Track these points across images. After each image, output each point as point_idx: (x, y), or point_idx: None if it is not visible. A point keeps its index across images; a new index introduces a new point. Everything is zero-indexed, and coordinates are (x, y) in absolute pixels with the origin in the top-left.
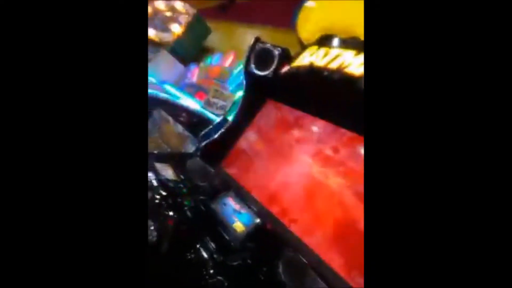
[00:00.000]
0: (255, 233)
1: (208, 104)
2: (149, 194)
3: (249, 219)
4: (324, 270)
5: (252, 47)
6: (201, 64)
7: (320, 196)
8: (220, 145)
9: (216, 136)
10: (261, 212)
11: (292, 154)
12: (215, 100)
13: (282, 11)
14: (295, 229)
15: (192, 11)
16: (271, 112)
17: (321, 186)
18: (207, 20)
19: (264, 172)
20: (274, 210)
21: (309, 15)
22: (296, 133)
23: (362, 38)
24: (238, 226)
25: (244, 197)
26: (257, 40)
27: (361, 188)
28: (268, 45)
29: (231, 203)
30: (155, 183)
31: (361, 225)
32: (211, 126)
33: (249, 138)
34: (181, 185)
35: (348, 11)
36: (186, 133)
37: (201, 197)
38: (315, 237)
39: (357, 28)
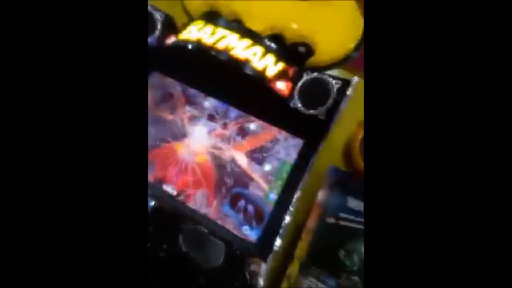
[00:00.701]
0: (151, 216)
1: None
2: None
3: None
4: (222, 232)
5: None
6: None
7: (213, 169)
8: None
9: None
10: (156, 193)
11: (185, 132)
12: None
13: None
14: (192, 204)
15: None
16: (159, 86)
17: (214, 160)
18: None
19: (157, 151)
20: (169, 189)
21: None
22: (187, 109)
23: (243, 20)
24: None
25: None
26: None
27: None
28: (150, 8)
29: None
30: None
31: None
32: None
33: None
34: None
35: None
36: None
37: None
38: (211, 207)
39: (240, 10)
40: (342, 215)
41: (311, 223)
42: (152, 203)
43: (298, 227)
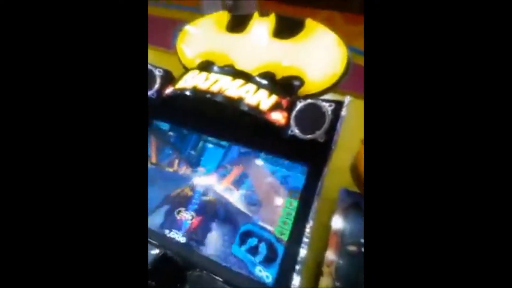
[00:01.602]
0: (156, 265)
1: None
2: None
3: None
4: (233, 277)
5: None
6: None
7: (219, 209)
8: None
9: None
10: (160, 240)
11: (189, 176)
12: None
13: (162, 30)
14: (200, 248)
15: None
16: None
17: (220, 200)
18: None
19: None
20: (176, 235)
21: (189, 39)
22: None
23: (236, 66)
24: None
25: None
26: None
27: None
28: (149, 66)
29: None
30: None
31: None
32: None
33: None
34: None
35: (226, 41)
36: None
37: None
38: (219, 250)
39: (232, 57)
40: (362, 240)
41: (331, 254)
42: (157, 251)
43: (317, 261)
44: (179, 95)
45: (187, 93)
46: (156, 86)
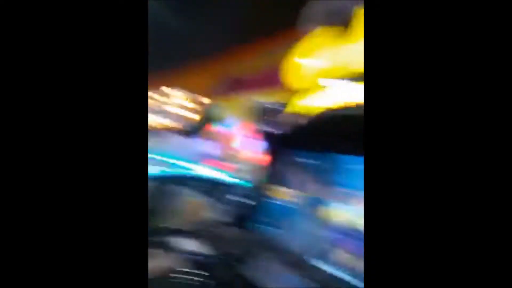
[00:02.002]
0: None
1: (236, 171)
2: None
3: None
4: None
5: (263, 110)
6: (206, 132)
7: None
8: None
9: (244, 199)
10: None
11: None
12: (241, 166)
13: (269, 72)
14: None
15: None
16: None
17: None
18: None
19: None
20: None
21: (297, 70)
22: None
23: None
24: None
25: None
26: (256, 102)
27: None
28: (275, 104)
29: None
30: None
31: None
32: (236, 190)
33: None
34: (213, 257)
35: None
36: (207, 200)
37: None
38: None
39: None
40: None
41: None
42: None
43: None
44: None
45: (307, 115)
46: (280, 119)
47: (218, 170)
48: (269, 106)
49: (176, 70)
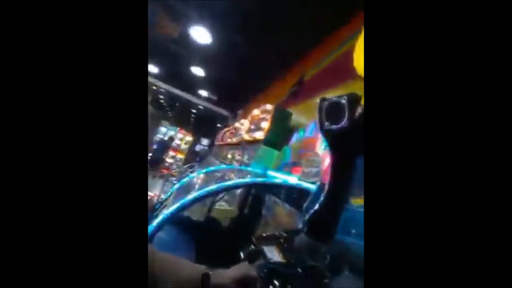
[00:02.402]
0: None
1: (303, 175)
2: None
3: None
4: None
5: (320, 107)
6: (293, 142)
7: None
8: (323, 215)
9: (317, 206)
10: None
11: None
12: (308, 169)
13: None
14: None
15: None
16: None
17: None
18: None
19: None
20: None
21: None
22: None
23: None
24: None
25: None
26: (322, 99)
27: None
28: (333, 98)
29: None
30: (264, 271)
31: None
32: (310, 197)
33: None
34: (292, 268)
35: None
36: (293, 210)
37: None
38: None
39: None
40: None
41: None
42: None
43: None
44: None
45: None
46: (345, 113)
47: (302, 179)
48: (336, 100)
49: (267, 88)
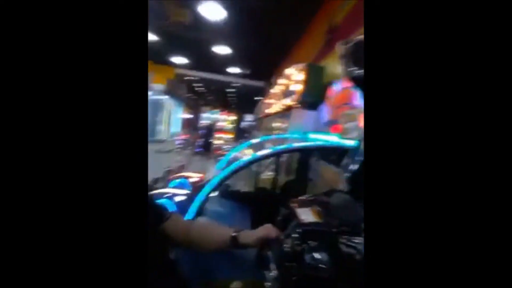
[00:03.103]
0: None
1: (344, 133)
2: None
3: None
4: None
5: (343, 52)
6: (328, 98)
7: None
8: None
9: (354, 164)
10: None
11: None
12: (348, 125)
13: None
14: None
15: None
16: None
17: None
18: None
19: None
20: None
21: None
22: None
23: None
24: None
25: None
26: (344, 42)
27: None
28: (357, 38)
29: None
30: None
31: None
32: (348, 155)
33: None
34: (325, 225)
35: None
36: (339, 170)
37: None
38: None
39: None
40: None
41: None
42: None
43: None
44: None
45: None
46: None
47: (343, 137)
48: (355, 41)
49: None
